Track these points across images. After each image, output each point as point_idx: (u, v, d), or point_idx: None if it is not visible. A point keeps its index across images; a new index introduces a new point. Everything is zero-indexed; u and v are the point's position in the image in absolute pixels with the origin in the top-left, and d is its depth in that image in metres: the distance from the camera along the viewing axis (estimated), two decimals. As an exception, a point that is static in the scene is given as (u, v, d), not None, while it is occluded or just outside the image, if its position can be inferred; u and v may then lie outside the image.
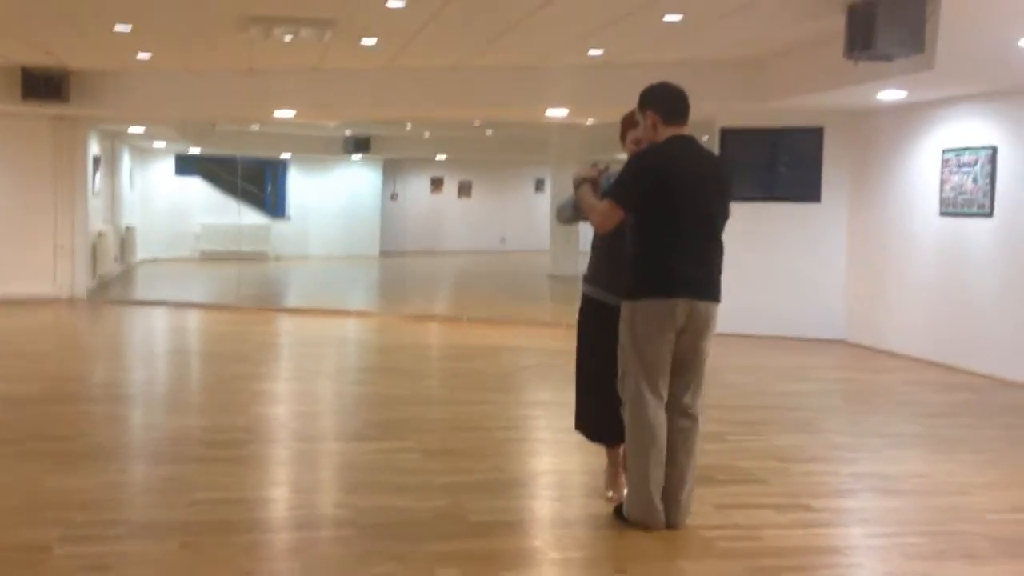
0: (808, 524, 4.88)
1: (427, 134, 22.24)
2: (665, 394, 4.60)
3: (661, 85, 4.74)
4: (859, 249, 11.53)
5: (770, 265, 11.80)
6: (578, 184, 4.82)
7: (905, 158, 10.75)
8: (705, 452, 6.21)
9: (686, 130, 4.69)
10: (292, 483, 5.65)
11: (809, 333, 11.52)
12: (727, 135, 11.95)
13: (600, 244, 5.07)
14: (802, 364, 10.13)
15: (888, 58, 7.59)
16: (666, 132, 4.64)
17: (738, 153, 11.85)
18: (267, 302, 15.69)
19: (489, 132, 20.99)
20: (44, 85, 12.51)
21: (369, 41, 10.33)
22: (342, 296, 16.99)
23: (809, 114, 11.39)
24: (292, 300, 17.36)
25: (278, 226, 24.36)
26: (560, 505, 5.23)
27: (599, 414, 5.00)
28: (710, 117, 12.14)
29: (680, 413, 4.65)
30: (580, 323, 5.13)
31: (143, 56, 11.62)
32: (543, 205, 24.29)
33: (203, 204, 23.47)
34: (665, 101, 4.68)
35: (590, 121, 16.63)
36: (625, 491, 4.77)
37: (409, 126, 20.44)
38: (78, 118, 14.09)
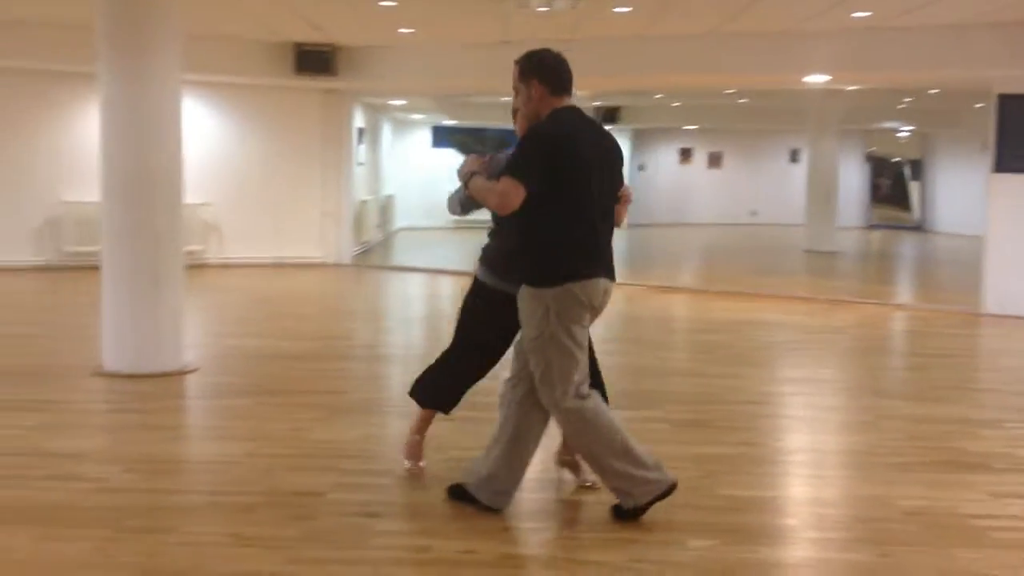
0: (1096, 520, 4.49)
1: (677, 103, 21.96)
2: None
3: (546, 53, 4.37)
4: None
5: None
6: (467, 180, 4.39)
7: None
8: (980, 438, 5.87)
9: (570, 101, 4.31)
10: (542, 447, 5.72)
11: (1095, 316, 10.56)
12: (1006, 102, 11.07)
13: (496, 227, 4.71)
14: (1086, 349, 9.31)
15: None
16: (552, 103, 4.26)
17: (1018, 121, 10.98)
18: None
19: (743, 100, 20.48)
20: (315, 60, 13.30)
21: (622, 9, 10.28)
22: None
23: (1103, 77, 10.39)
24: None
25: (526, 196, 24.78)
26: (817, 483, 5.06)
27: (451, 385, 4.92)
28: (985, 83, 11.32)
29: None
30: (475, 308, 4.80)
31: (405, 31, 12.09)
32: (798, 176, 23.47)
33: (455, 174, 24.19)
34: (553, 71, 4.30)
35: (852, 87, 15.90)
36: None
37: (659, 95, 20.25)
38: (345, 91, 14.86)
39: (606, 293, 4.25)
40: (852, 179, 26.27)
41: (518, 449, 4.38)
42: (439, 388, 4.95)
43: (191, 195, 12.69)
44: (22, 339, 8.62)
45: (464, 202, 4.55)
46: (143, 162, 7.14)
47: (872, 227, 26.92)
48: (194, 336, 8.20)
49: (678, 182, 27.38)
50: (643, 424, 5.99)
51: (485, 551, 3.96)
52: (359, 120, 16.70)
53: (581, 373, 4.23)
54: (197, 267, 13.48)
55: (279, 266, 14.55)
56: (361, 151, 17.01)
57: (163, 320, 7.23)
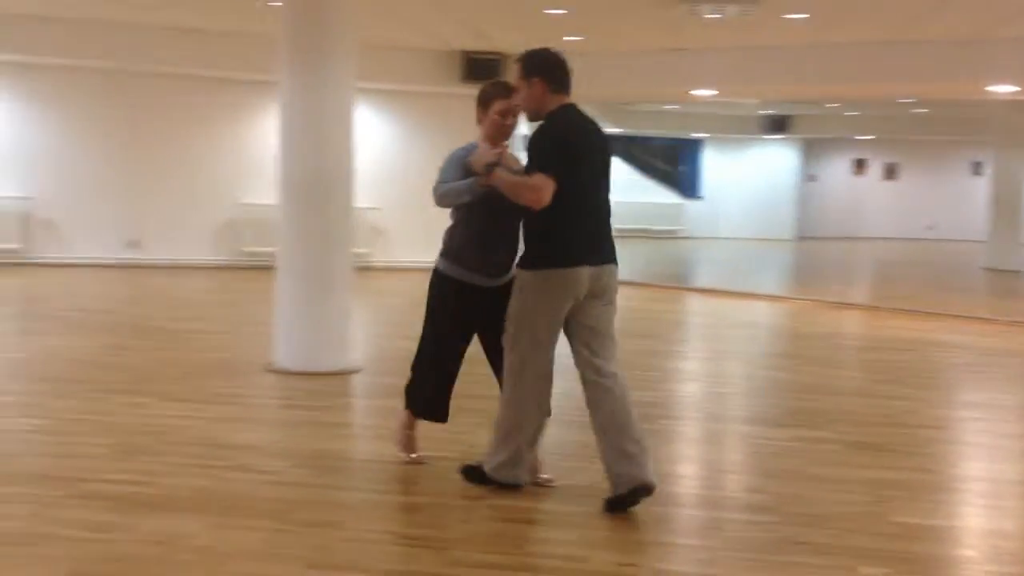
0: None
1: (851, 112, 21.29)
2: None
3: (546, 51, 4.54)
4: None
5: None
6: (489, 170, 4.44)
7: None
8: None
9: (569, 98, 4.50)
10: (705, 462, 5.64)
11: None
12: None
13: (464, 221, 4.71)
14: None
15: None
16: (554, 101, 4.45)
17: None
18: (676, 281, 15.82)
19: (922, 110, 19.68)
20: (484, 68, 13.47)
21: (797, 16, 10.02)
22: (754, 279, 16.75)
23: None
24: (702, 280, 17.38)
25: (689, 205, 24.48)
26: (996, 514, 4.79)
27: (437, 393, 4.93)
28: None
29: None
30: (438, 302, 4.83)
31: (572, 39, 12.10)
32: (980, 190, 22.39)
33: (616, 182, 24.11)
34: (554, 69, 4.48)
35: (1042, 97, 15.03)
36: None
37: (832, 104, 19.67)
38: (511, 99, 14.97)
39: (597, 278, 4.42)
40: (1039, 194, 24.88)
41: (606, 431, 4.49)
42: (426, 399, 4.99)
43: (360, 199, 13.08)
44: (201, 335, 9.04)
45: (475, 192, 4.55)
46: (318, 167, 7.38)
47: (1059, 245, 25.41)
48: (359, 337, 8.41)
49: (851, 194, 26.51)
50: (813, 444, 5.81)
51: (642, 565, 3.91)
52: (523, 127, 16.81)
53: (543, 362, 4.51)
54: (363, 269, 13.83)
55: (408, 270, 14.77)
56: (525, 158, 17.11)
57: (332, 320, 7.44)
